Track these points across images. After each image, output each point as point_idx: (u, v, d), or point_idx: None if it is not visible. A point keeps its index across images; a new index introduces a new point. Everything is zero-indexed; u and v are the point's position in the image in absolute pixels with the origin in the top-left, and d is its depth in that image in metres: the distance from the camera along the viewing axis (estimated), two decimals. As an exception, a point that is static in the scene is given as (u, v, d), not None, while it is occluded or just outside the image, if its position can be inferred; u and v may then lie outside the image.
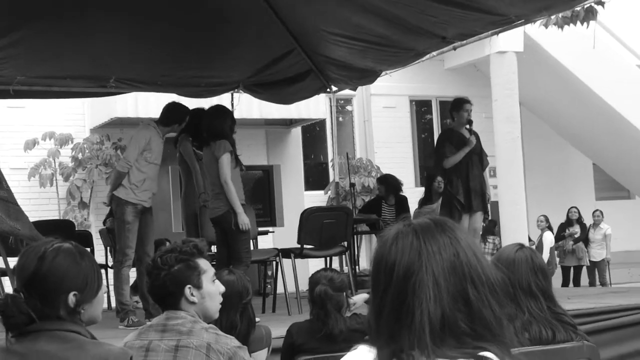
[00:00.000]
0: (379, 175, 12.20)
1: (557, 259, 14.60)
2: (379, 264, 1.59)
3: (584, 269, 14.71)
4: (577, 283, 14.41)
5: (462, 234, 1.58)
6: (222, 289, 3.24)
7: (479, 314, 1.51)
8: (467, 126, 8.38)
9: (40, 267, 2.33)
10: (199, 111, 7.95)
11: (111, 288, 9.37)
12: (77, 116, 12.43)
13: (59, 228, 9.26)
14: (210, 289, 3.15)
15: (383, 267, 1.57)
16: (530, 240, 13.58)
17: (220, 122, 7.05)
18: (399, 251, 1.56)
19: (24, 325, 2.29)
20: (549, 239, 14.17)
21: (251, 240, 9.14)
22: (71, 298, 2.33)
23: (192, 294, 3.10)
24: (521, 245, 3.32)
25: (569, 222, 14.78)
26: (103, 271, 10.78)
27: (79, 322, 2.36)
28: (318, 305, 4.13)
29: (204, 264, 3.16)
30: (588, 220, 14.95)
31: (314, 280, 4.23)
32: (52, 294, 2.32)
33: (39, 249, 2.38)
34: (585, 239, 14.71)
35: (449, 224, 1.59)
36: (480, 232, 8.84)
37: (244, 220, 6.83)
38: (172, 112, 7.38)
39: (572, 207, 14.87)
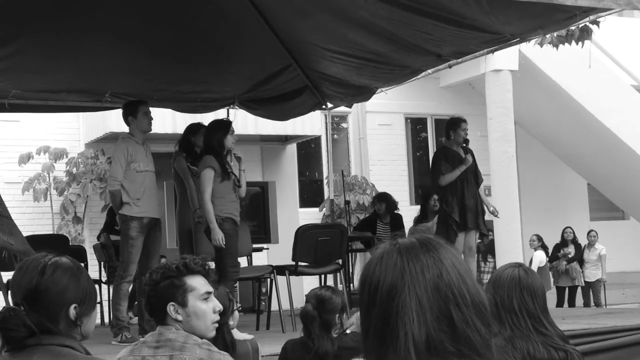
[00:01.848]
0: (375, 194, 12.18)
1: (552, 279, 14.57)
2: (364, 284, 1.57)
3: (579, 290, 14.70)
4: (571, 303, 14.38)
5: (448, 253, 1.56)
6: (218, 307, 3.19)
7: (464, 334, 1.49)
8: (464, 144, 8.40)
9: (41, 280, 2.33)
10: (194, 126, 7.96)
11: (105, 304, 9.37)
12: (72, 130, 12.42)
13: (52, 243, 9.23)
14: (198, 308, 3.10)
15: (368, 287, 1.56)
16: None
17: (209, 136, 7.10)
18: (383, 271, 1.54)
19: (23, 340, 2.27)
20: (538, 258, 14.14)
21: (245, 257, 9.13)
22: (72, 311, 2.34)
23: (176, 312, 3.07)
24: (517, 265, 3.30)
25: (563, 243, 14.77)
26: (96, 286, 10.76)
27: (75, 336, 2.34)
28: (303, 323, 4.13)
29: (193, 281, 3.11)
30: (582, 241, 14.95)
31: (307, 297, 4.21)
32: (53, 307, 2.32)
33: (37, 263, 2.37)
34: (579, 259, 14.70)
35: (433, 244, 1.57)
36: (475, 250, 8.82)
37: (216, 235, 6.79)
38: (123, 108, 7.36)
39: (566, 228, 14.86)
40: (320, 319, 4.07)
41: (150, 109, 7.45)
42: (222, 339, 3.76)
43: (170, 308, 3.06)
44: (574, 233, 14.78)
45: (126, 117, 7.19)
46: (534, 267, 13.63)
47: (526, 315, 3.12)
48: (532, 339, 3.07)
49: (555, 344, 3.09)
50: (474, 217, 8.28)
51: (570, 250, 14.65)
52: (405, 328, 1.47)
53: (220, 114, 9.76)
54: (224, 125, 7.21)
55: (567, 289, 14.56)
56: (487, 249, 13.18)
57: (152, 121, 7.32)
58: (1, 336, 2.28)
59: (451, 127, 8.49)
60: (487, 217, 8.90)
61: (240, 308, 4.18)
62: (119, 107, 8.94)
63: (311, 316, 4.06)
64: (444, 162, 8.33)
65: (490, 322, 1.53)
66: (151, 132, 7.48)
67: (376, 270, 1.55)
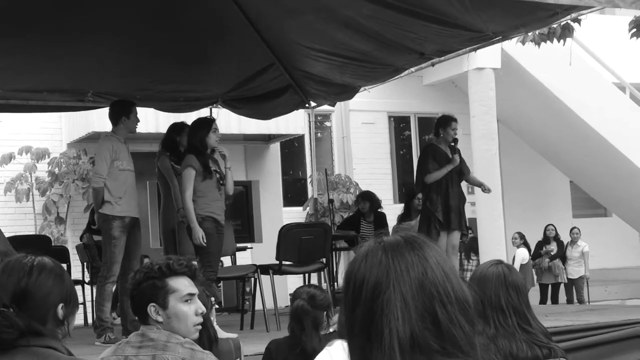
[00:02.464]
0: (359, 192, 12.18)
1: (535, 277, 14.64)
2: (349, 282, 1.57)
3: (562, 287, 14.76)
4: (555, 300, 14.45)
5: (432, 251, 1.56)
6: (201, 309, 3.17)
7: (448, 332, 1.49)
8: (452, 144, 8.38)
9: (29, 281, 2.33)
10: (178, 125, 7.94)
11: (88, 304, 9.33)
12: (54, 130, 12.36)
13: (35, 243, 9.18)
14: (179, 309, 3.07)
15: (352, 285, 1.56)
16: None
17: (192, 135, 7.10)
18: (368, 269, 1.54)
19: (14, 341, 2.26)
20: (521, 255, 14.20)
21: (229, 256, 9.12)
22: (60, 311, 2.35)
23: (157, 313, 3.06)
24: (498, 262, 3.32)
25: (546, 240, 14.84)
26: (79, 287, 10.73)
27: (58, 337, 2.34)
28: (295, 319, 4.11)
29: (176, 283, 3.10)
30: (565, 238, 15.02)
31: (296, 294, 4.22)
32: (42, 308, 2.32)
33: (23, 264, 2.37)
34: (562, 257, 14.78)
35: (418, 242, 1.57)
36: (458, 249, 8.84)
37: (196, 234, 6.80)
38: (115, 107, 7.31)
39: (549, 225, 14.93)
40: (310, 315, 4.08)
41: (133, 108, 7.44)
42: (205, 333, 3.79)
43: (151, 309, 3.06)
44: (556, 230, 14.85)
45: (119, 116, 7.13)
46: (517, 265, 13.69)
47: (512, 312, 3.14)
48: (516, 338, 3.08)
49: (539, 342, 3.10)
50: (457, 217, 8.29)
51: (553, 247, 14.72)
52: (390, 325, 1.48)
53: (203, 113, 9.73)
54: (207, 124, 7.19)
55: (550, 286, 14.63)
56: (469, 247, 13.21)
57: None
58: None
59: (441, 125, 8.40)
60: (471, 214, 8.94)
61: (215, 302, 4.17)
62: (101, 107, 8.93)
63: (305, 310, 4.06)
64: (432, 160, 8.30)
65: (474, 319, 1.53)
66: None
67: (361, 268, 1.55)
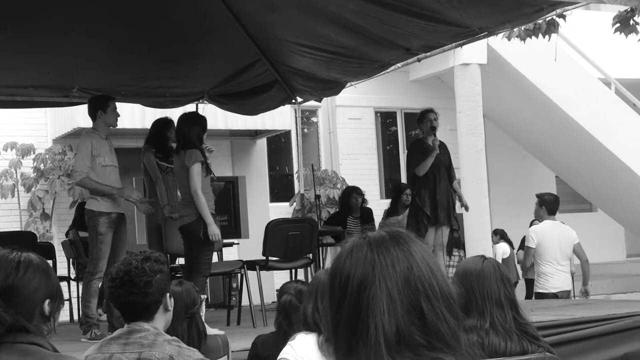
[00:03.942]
0: (345, 187, 12.17)
1: (520, 271, 14.68)
2: (334, 277, 1.57)
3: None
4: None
5: (417, 246, 1.57)
6: None
7: (434, 327, 1.50)
8: (434, 134, 8.46)
9: (16, 277, 2.33)
10: (162, 121, 7.91)
11: (74, 301, 9.30)
12: (40, 126, 12.30)
13: (20, 240, 9.12)
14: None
15: (338, 280, 1.56)
16: None
17: (188, 129, 7.01)
18: (353, 264, 1.55)
19: (0, 338, 2.25)
20: (501, 250, 14.24)
21: (216, 252, 9.11)
22: (47, 307, 2.35)
23: (170, 302, 3.17)
24: (484, 257, 3.34)
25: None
26: (65, 283, 10.65)
27: (43, 333, 2.33)
28: (282, 314, 4.11)
29: None
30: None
31: (283, 289, 4.22)
32: (30, 303, 2.33)
33: (9, 260, 2.37)
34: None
35: (403, 237, 1.58)
36: (445, 245, 8.85)
37: (214, 230, 6.79)
38: (91, 102, 7.28)
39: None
40: (298, 310, 4.09)
41: (119, 104, 7.41)
42: (195, 328, 3.82)
43: (168, 298, 3.17)
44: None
45: (95, 111, 7.11)
46: (499, 259, 13.74)
47: (509, 306, 3.16)
48: (508, 332, 3.09)
49: (531, 335, 3.13)
50: (445, 213, 8.33)
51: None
52: (376, 320, 1.48)
53: (189, 108, 9.72)
54: (202, 121, 7.17)
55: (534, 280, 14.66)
56: (451, 243, 13.21)
57: (120, 117, 7.28)
58: None
59: (420, 119, 8.60)
60: (458, 210, 8.95)
61: (203, 299, 4.20)
62: (86, 103, 8.89)
63: (293, 306, 4.07)
64: (418, 154, 8.38)
65: (458, 314, 1.54)
66: (120, 127, 7.44)
67: (346, 264, 1.56)
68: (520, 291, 14.33)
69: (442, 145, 8.51)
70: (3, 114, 11.38)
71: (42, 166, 11.72)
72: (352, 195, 10.33)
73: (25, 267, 2.35)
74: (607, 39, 10.05)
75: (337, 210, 11.49)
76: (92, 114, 7.15)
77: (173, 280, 4.12)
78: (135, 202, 7.23)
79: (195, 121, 7.13)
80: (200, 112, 9.63)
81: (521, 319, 3.17)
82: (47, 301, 2.36)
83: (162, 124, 7.94)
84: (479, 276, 3.22)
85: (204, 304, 4.15)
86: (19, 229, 11.22)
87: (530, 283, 14.69)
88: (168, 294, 3.17)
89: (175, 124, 7.41)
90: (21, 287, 2.32)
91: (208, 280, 7.43)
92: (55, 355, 2.30)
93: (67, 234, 9.79)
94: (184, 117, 7.22)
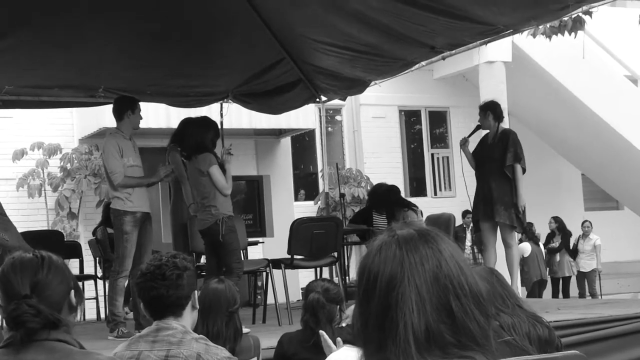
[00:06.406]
0: (371, 186, 12.13)
1: (547, 269, 14.61)
2: (363, 275, 1.57)
3: (573, 280, 14.76)
4: (566, 294, 14.42)
5: (446, 244, 1.56)
6: None
7: (463, 325, 1.49)
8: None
9: (43, 273, 2.36)
10: (188, 120, 7.93)
11: (100, 299, 9.37)
12: (66, 126, 12.40)
13: (47, 238, 9.23)
14: None
15: (367, 278, 1.56)
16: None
17: (201, 134, 7.05)
18: (382, 262, 1.54)
19: (34, 333, 2.27)
20: (522, 249, 14.19)
21: (241, 251, 9.13)
22: (73, 297, 2.40)
23: (197, 300, 3.20)
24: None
25: (553, 233, 14.83)
26: (92, 282, 10.71)
27: (70, 330, 2.35)
28: (309, 312, 4.13)
29: None
30: (577, 231, 14.98)
31: (310, 288, 4.24)
32: (58, 295, 2.37)
33: (31, 259, 2.40)
34: (572, 250, 14.77)
35: (432, 235, 1.58)
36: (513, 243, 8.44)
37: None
38: (119, 102, 7.33)
39: (551, 218, 14.92)
40: (325, 309, 4.10)
41: (144, 103, 7.45)
42: (232, 327, 3.84)
43: (196, 295, 3.19)
44: (559, 222, 14.74)
45: (123, 112, 7.15)
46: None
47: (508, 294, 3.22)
48: (517, 314, 3.13)
49: (538, 320, 3.16)
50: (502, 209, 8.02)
51: (557, 241, 14.70)
52: (405, 319, 1.48)
53: (214, 108, 9.75)
54: (215, 126, 7.28)
55: (560, 279, 14.61)
56: (479, 241, 13.18)
57: (145, 116, 7.36)
58: (15, 329, 2.27)
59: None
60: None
61: None
62: (112, 103, 8.95)
63: (321, 303, 4.09)
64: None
65: (488, 312, 1.54)
66: (145, 126, 7.48)
67: (375, 261, 1.56)
68: (547, 291, 14.29)
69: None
70: (30, 114, 11.48)
71: (68, 166, 11.81)
72: (384, 192, 10.00)
73: (48, 263, 2.39)
74: (634, 35, 9.99)
75: (362, 208, 11.45)
76: (119, 114, 7.18)
77: (214, 278, 4.16)
78: (168, 174, 7.42)
79: (208, 126, 7.16)
80: (224, 111, 9.68)
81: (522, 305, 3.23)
82: (72, 292, 2.40)
83: (184, 123, 7.96)
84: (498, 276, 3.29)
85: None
86: (46, 228, 11.31)
87: (556, 282, 14.65)
88: (196, 291, 3.18)
89: (179, 128, 7.48)
90: (49, 281, 2.36)
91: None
92: (82, 352, 2.32)
93: (94, 232, 9.86)
94: (196, 123, 7.19)
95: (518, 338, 3.02)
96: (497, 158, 7.90)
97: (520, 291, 10.92)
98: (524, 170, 7.95)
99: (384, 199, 9.72)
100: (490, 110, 8.13)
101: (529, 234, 14.16)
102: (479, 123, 8.23)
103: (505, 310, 3.10)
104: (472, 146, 8.30)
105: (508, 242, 7.99)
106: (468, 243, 13.68)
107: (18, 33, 7.39)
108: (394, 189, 9.86)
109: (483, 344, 1.50)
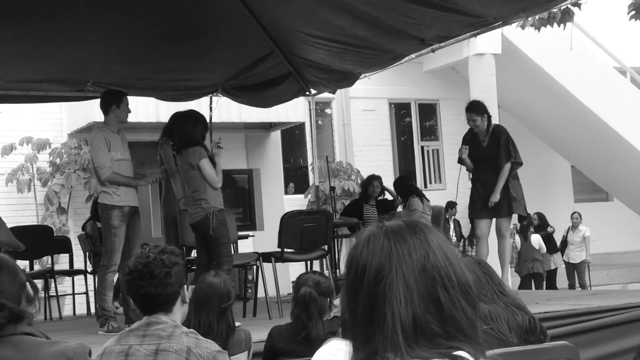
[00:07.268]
0: (362, 179, 12.14)
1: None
2: (351, 267, 1.57)
3: (564, 272, 14.80)
4: (551, 287, 14.40)
5: (434, 235, 1.56)
6: None
7: (451, 315, 1.49)
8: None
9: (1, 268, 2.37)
10: (178, 114, 7.92)
11: (91, 294, 9.35)
12: (55, 121, 12.35)
13: (37, 233, 9.22)
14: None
15: (355, 270, 1.56)
16: None
17: (191, 127, 7.05)
18: (370, 253, 1.55)
19: (3, 327, 2.27)
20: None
21: (231, 245, 9.13)
22: (29, 289, 2.41)
23: (187, 294, 3.21)
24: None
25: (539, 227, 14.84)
26: (82, 276, 10.67)
27: (32, 321, 2.35)
28: (300, 306, 4.13)
29: None
30: (566, 223, 15.03)
31: (300, 281, 4.23)
32: (15, 288, 2.36)
33: None
34: (562, 241, 14.83)
35: (420, 226, 1.58)
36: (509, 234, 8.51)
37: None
38: (105, 96, 7.30)
39: (534, 214, 14.95)
40: (317, 302, 4.11)
41: (133, 97, 7.42)
42: (225, 322, 3.84)
43: (185, 290, 3.18)
44: (542, 219, 14.74)
45: (109, 106, 7.13)
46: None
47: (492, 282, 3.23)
48: (495, 301, 3.14)
49: (520, 308, 3.17)
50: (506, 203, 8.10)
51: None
52: (393, 309, 1.48)
53: (203, 101, 9.73)
54: (203, 119, 7.26)
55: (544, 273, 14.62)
56: (471, 234, 13.23)
57: (135, 111, 7.32)
58: None
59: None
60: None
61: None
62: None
63: (313, 297, 4.09)
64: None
65: (475, 303, 1.54)
66: (134, 121, 7.46)
67: (363, 253, 1.56)
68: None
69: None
70: (18, 108, 11.43)
71: (58, 160, 11.77)
72: (372, 183, 10.27)
73: (3, 258, 2.41)
74: (622, 27, 10.00)
75: (352, 200, 11.48)
76: (105, 108, 7.17)
77: (211, 271, 4.15)
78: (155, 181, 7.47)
79: (198, 120, 7.16)
80: (214, 105, 9.67)
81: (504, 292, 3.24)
82: (27, 284, 2.41)
83: (175, 117, 7.94)
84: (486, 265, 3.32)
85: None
86: (35, 223, 11.28)
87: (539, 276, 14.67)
88: (185, 286, 3.17)
89: (171, 122, 7.46)
90: (3, 279, 2.35)
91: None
92: (49, 342, 2.32)
93: (84, 227, 9.83)
94: (185, 117, 7.22)
95: (494, 326, 3.03)
96: (492, 157, 7.96)
97: (511, 282, 10.95)
98: (520, 164, 7.99)
99: (403, 182, 10.07)
100: (485, 112, 8.15)
101: (524, 228, 14.22)
102: (464, 145, 8.17)
103: (483, 299, 3.10)
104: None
105: (502, 233, 8.10)
106: (452, 234, 13.80)
107: (5, 28, 7.36)
108: (407, 176, 10.16)
109: (470, 334, 1.50)
